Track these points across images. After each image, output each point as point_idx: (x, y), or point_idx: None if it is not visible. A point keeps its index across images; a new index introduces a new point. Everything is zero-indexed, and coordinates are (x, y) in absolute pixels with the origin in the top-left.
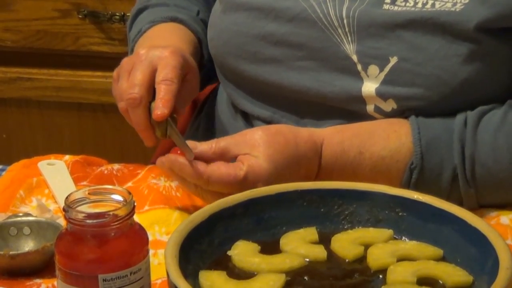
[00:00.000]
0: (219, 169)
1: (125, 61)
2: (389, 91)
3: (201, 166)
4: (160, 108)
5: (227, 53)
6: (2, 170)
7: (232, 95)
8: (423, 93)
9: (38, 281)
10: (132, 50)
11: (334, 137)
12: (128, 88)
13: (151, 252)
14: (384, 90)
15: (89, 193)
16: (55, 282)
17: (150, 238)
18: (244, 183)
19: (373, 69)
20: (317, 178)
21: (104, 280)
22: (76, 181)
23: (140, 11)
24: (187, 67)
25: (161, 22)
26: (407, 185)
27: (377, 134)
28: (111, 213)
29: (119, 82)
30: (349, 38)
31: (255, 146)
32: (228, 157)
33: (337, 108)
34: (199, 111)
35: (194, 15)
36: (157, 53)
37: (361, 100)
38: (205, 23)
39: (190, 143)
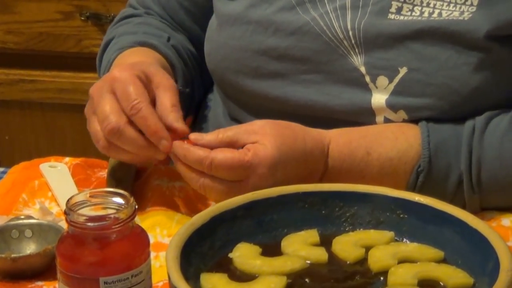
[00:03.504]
0: (223, 151)
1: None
2: (399, 102)
3: (205, 149)
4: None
5: (225, 68)
6: (4, 172)
7: (233, 110)
8: (434, 103)
9: (39, 283)
10: None
11: (341, 137)
12: (101, 122)
13: (152, 254)
14: (394, 101)
15: (90, 196)
16: (56, 284)
17: (152, 240)
18: (249, 168)
19: (382, 80)
20: (324, 178)
21: (106, 283)
22: (78, 183)
23: (107, 44)
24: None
25: (129, 47)
26: (412, 188)
27: (385, 135)
28: (112, 216)
29: (90, 123)
30: (356, 50)
31: (264, 135)
32: (236, 146)
33: (344, 120)
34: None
35: (165, 41)
36: (115, 75)
37: (370, 112)
38: (177, 49)
39: (196, 135)
